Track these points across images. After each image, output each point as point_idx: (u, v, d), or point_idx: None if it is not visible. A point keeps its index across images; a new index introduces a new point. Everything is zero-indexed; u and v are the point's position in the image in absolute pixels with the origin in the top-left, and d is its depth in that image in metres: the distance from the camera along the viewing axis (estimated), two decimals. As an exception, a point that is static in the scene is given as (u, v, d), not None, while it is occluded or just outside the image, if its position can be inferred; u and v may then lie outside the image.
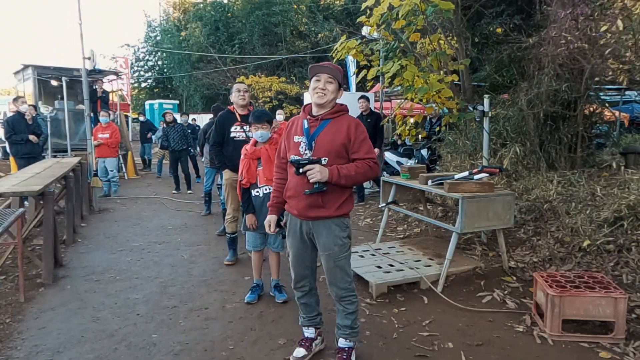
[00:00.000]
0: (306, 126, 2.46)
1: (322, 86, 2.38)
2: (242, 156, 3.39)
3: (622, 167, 4.84)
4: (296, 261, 2.59)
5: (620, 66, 4.93)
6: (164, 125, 9.05)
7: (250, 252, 3.71)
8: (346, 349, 2.54)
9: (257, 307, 3.38)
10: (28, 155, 7.01)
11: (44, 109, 8.51)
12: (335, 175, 2.33)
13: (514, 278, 3.82)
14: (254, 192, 3.35)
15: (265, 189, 3.30)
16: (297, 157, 2.41)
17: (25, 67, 10.98)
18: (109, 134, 8.04)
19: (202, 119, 15.09)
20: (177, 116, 11.12)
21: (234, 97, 4.15)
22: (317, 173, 2.30)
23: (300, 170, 2.34)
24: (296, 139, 2.48)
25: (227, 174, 4.18)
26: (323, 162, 2.37)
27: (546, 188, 4.73)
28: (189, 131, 9.41)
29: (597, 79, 5.30)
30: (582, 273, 3.20)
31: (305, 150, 2.43)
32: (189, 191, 8.71)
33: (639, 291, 3.25)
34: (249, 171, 3.30)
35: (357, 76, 7.59)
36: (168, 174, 11.09)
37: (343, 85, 2.51)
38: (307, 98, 11.27)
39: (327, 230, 2.44)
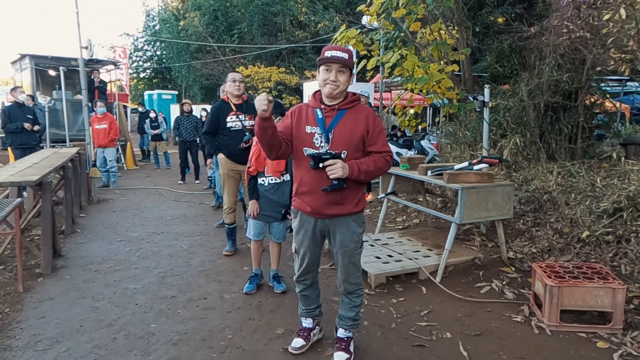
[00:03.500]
0: (320, 116, 2.28)
1: (334, 78, 2.20)
2: (253, 143, 3.36)
3: (622, 158, 4.83)
4: (306, 258, 2.49)
5: (623, 56, 4.89)
6: (179, 114, 9.01)
7: (249, 242, 3.70)
8: (345, 339, 2.54)
9: (255, 297, 3.38)
10: (24, 145, 6.95)
11: (42, 99, 8.43)
12: (356, 171, 2.19)
13: (513, 269, 3.82)
14: (259, 180, 3.34)
15: (271, 179, 3.30)
16: (316, 151, 2.23)
17: (23, 56, 10.91)
18: (107, 125, 7.99)
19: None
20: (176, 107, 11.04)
21: (228, 87, 4.11)
22: (339, 169, 2.15)
23: (321, 165, 2.16)
24: (309, 129, 2.28)
25: (224, 166, 4.16)
26: (342, 156, 2.22)
27: (546, 179, 4.72)
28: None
29: (598, 69, 5.27)
30: (580, 264, 3.20)
31: (322, 142, 2.25)
32: (196, 181, 8.71)
33: (637, 282, 3.25)
34: (258, 159, 3.27)
35: (357, 66, 7.54)
36: (165, 166, 11.10)
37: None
38: (307, 88, 11.12)
39: (346, 227, 2.36)
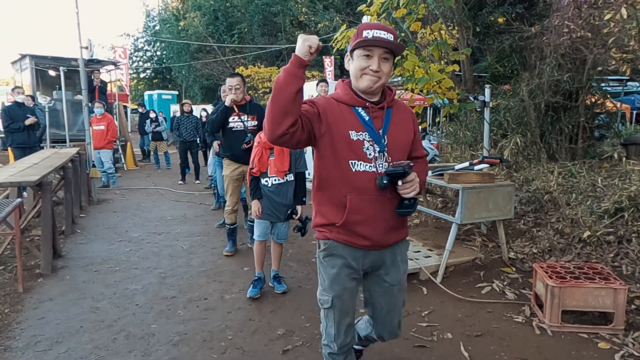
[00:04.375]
0: (367, 117, 1.70)
1: (376, 67, 1.63)
2: (255, 144, 3.34)
3: (623, 158, 4.82)
4: (348, 314, 1.83)
5: (624, 56, 4.88)
6: (179, 114, 9.01)
7: (249, 243, 3.69)
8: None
9: (256, 297, 3.38)
10: (24, 145, 6.94)
11: (42, 99, 8.44)
12: (421, 184, 1.75)
13: (514, 269, 3.82)
14: (262, 181, 3.33)
15: (274, 180, 3.28)
16: (394, 167, 1.67)
17: (23, 56, 10.90)
18: (105, 126, 7.97)
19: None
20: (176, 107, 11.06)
21: (227, 93, 4.09)
22: (417, 186, 1.67)
23: (400, 183, 1.66)
24: (354, 135, 1.68)
25: (227, 168, 4.15)
26: None
27: (546, 179, 4.72)
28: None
29: (599, 69, 5.26)
30: (581, 264, 3.20)
31: (376, 153, 1.69)
32: (196, 181, 8.71)
33: (638, 282, 3.25)
34: (260, 160, 3.25)
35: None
36: (165, 166, 11.10)
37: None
38: (307, 88, 11.16)
39: (399, 255, 1.85)
